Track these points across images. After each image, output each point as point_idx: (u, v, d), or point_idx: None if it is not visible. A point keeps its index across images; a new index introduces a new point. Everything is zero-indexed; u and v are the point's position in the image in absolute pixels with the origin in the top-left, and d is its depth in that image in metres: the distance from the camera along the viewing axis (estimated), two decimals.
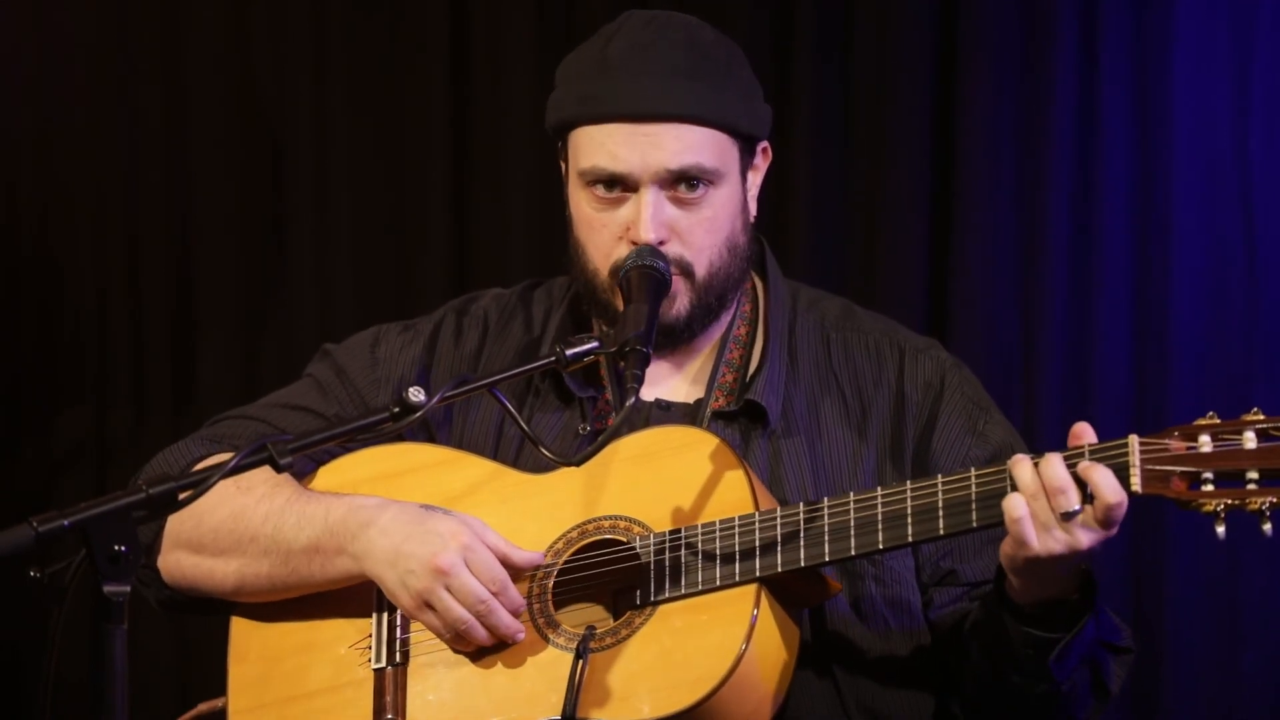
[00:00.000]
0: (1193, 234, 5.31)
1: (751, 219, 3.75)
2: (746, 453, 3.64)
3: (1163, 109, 5.33)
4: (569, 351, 3.43)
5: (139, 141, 5.96)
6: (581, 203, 3.68)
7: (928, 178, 5.50)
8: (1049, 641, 3.38)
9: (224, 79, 5.94)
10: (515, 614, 3.48)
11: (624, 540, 3.50)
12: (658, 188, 3.61)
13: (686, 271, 3.64)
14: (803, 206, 5.52)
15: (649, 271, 3.58)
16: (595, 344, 3.45)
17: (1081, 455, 3.28)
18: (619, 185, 3.63)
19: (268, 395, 3.89)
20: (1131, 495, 3.25)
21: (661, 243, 3.62)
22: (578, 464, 3.44)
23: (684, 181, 3.62)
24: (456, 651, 3.52)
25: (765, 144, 3.76)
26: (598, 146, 3.64)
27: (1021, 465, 3.29)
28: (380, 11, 5.89)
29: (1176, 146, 5.31)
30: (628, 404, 3.37)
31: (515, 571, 3.50)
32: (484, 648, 3.50)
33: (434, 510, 3.53)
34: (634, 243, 3.62)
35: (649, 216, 3.61)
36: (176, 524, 3.67)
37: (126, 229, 5.97)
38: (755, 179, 3.75)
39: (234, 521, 3.63)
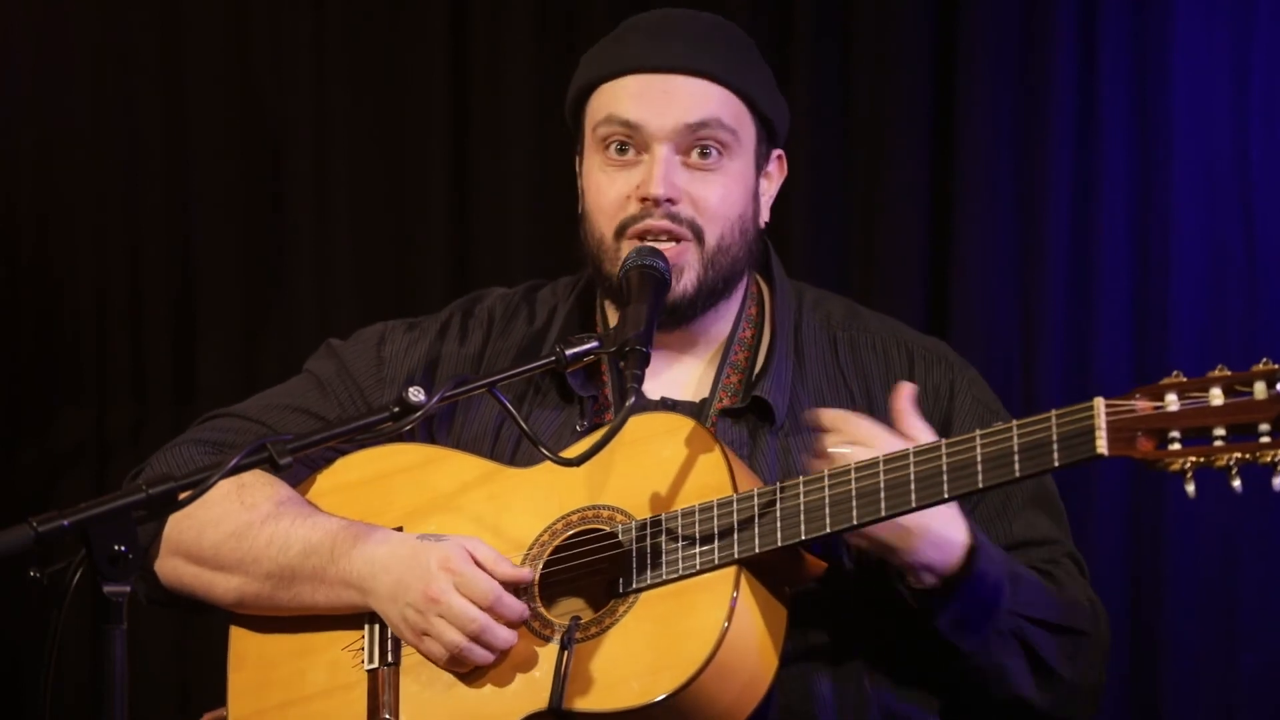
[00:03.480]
0: (1192, 234, 5.31)
1: (763, 221, 3.75)
2: (754, 450, 3.64)
3: (1162, 109, 5.33)
4: (569, 351, 3.43)
5: (139, 143, 5.96)
6: (594, 169, 3.67)
7: (927, 177, 5.50)
8: (928, 608, 3.40)
9: (224, 80, 5.94)
10: (516, 622, 3.48)
11: (607, 529, 3.51)
12: (671, 148, 3.61)
13: (698, 235, 3.63)
14: (802, 205, 5.52)
15: (649, 271, 3.58)
16: (595, 344, 3.45)
17: (1047, 421, 3.24)
18: (630, 144, 3.62)
19: (265, 391, 3.89)
20: (1098, 458, 3.23)
21: (671, 201, 3.60)
22: (578, 463, 3.44)
23: (699, 142, 3.61)
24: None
25: (780, 152, 3.76)
26: (612, 98, 3.63)
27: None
28: (380, 12, 5.89)
29: (1176, 146, 5.31)
30: (628, 404, 3.36)
31: (504, 583, 3.49)
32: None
33: (427, 539, 3.53)
34: (643, 199, 3.60)
35: (661, 173, 3.60)
36: (175, 531, 3.66)
37: (127, 229, 5.97)
38: (769, 186, 3.75)
39: (237, 540, 3.63)
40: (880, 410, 3.69)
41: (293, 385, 3.87)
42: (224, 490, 3.56)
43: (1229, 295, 5.29)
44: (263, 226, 5.95)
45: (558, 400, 3.73)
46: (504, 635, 3.47)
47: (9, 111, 5.98)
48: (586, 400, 3.71)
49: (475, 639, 3.46)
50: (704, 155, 3.62)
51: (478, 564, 3.48)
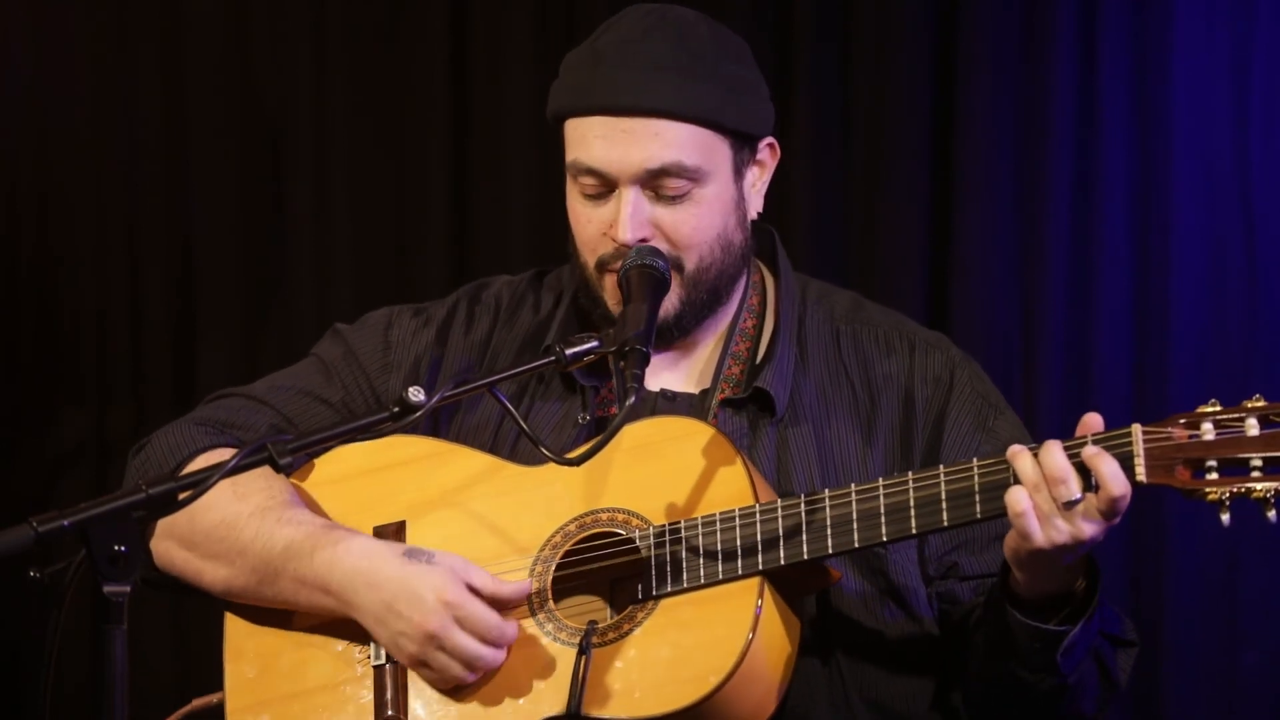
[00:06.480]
0: (1193, 234, 5.31)
1: (753, 215, 3.73)
2: (754, 441, 3.63)
3: (1162, 109, 5.33)
4: (569, 351, 3.43)
5: (139, 141, 5.96)
6: (572, 197, 3.68)
7: (927, 177, 5.50)
8: (1055, 635, 3.38)
9: (224, 80, 5.94)
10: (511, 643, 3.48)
11: (622, 533, 3.50)
12: (638, 187, 3.60)
13: (676, 265, 3.62)
14: (803, 204, 5.52)
15: (649, 271, 3.58)
16: (595, 343, 3.45)
17: (1084, 445, 3.27)
18: (600, 182, 3.63)
19: (272, 374, 3.87)
20: (1136, 485, 3.25)
21: (643, 240, 3.60)
22: (578, 463, 3.43)
23: (664, 181, 3.60)
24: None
25: (770, 140, 3.74)
26: (580, 140, 3.63)
27: (1022, 458, 3.29)
28: (380, 9, 5.89)
29: (1176, 146, 5.31)
30: (628, 403, 3.36)
31: (505, 604, 3.48)
32: None
33: (417, 559, 3.49)
34: (614, 240, 3.62)
35: (627, 217, 3.59)
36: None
37: (127, 229, 5.98)
38: (759, 174, 3.72)
39: (225, 529, 3.62)
40: (882, 402, 3.69)
41: (299, 369, 3.87)
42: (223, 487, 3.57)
43: (1229, 295, 5.29)
44: (263, 226, 5.95)
45: (561, 390, 3.72)
46: (503, 658, 3.47)
47: (9, 111, 5.97)
48: (589, 391, 3.71)
49: (478, 671, 3.46)
50: (672, 187, 3.61)
51: (475, 591, 3.46)
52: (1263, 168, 5.26)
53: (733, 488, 3.47)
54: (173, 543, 3.68)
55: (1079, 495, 3.25)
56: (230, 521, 3.62)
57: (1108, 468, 3.23)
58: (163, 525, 3.64)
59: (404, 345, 3.83)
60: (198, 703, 3.84)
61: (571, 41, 3.79)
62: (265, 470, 3.13)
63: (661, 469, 3.51)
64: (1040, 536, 3.26)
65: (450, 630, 3.44)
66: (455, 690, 3.50)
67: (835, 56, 5.56)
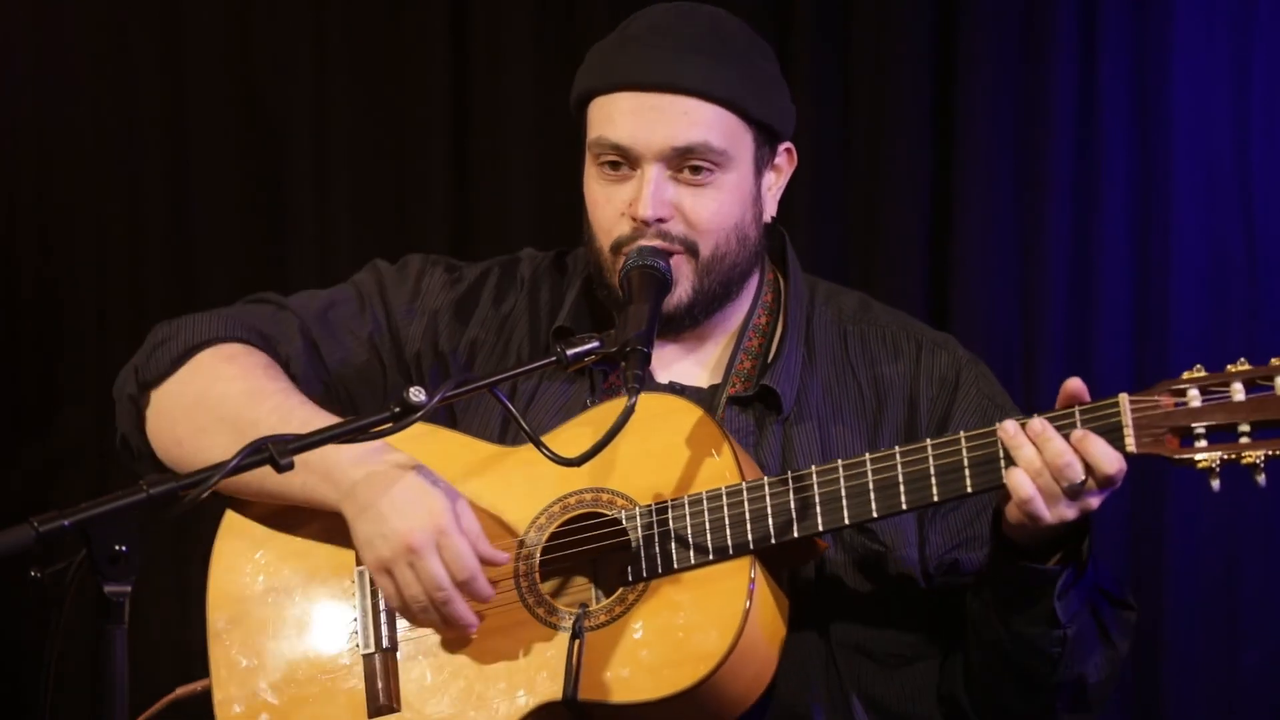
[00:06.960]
0: (1192, 234, 5.31)
1: (768, 217, 3.74)
2: (760, 439, 3.63)
3: (1162, 109, 5.33)
4: (569, 352, 3.42)
5: (139, 142, 5.96)
6: (592, 179, 3.68)
7: (928, 176, 5.50)
8: (1051, 576, 3.39)
9: (224, 78, 5.94)
10: (482, 603, 3.45)
11: (607, 514, 3.49)
12: (661, 165, 3.60)
13: (691, 249, 3.62)
14: (803, 206, 5.52)
15: (650, 271, 3.58)
16: (596, 344, 3.45)
17: (1071, 417, 3.30)
18: (623, 162, 3.62)
19: (311, 291, 3.89)
20: (1126, 455, 3.27)
21: (662, 220, 3.60)
22: (579, 463, 3.42)
23: (689, 162, 3.60)
24: (448, 636, 3.51)
25: (789, 145, 3.75)
26: (605, 117, 3.63)
27: (1021, 446, 3.30)
28: (380, 9, 5.89)
29: (1176, 146, 5.32)
30: (629, 404, 3.35)
31: (481, 559, 3.46)
32: (477, 630, 3.48)
33: (424, 476, 3.48)
34: (634, 219, 3.61)
35: (649, 194, 3.59)
36: (192, 370, 3.69)
37: (127, 229, 5.98)
38: (775, 179, 3.74)
39: (247, 399, 3.59)
40: (887, 402, 3.69)
41: (336, 295, 3.88)
42: (240, 363, 3.64)
43: (1229, 295, 5.29)
44: (264, 227, 5.95)
45: (570, 373, 3.71)
46: (464, 613, 3.44)
47: (9, 111, 5.98)
48: (598, 375, 3.71)
49: (436, 606, 3.44)
50: (695, 172, 3.62)
51: (464, 532, 3.45)
52: (1263, 168, 5.27)
53: (718, 467, 3.47)
54: (176, 406, 3.67)
55: (1084, 475, 3.28)
56: (255, 391, 3.60)
57: (1096, 448, 3.28)
58: (173, 394, 3.65)
59: (432, 293, 3.84)
60: (181, 691, 3.83)
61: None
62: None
63: (647, 448, 3.50)
64: (1049, 516, 3.30)
65: (429, 552, 3.42)
66: (448, 676, 3.49)
67: (835, 56, 5.56)
